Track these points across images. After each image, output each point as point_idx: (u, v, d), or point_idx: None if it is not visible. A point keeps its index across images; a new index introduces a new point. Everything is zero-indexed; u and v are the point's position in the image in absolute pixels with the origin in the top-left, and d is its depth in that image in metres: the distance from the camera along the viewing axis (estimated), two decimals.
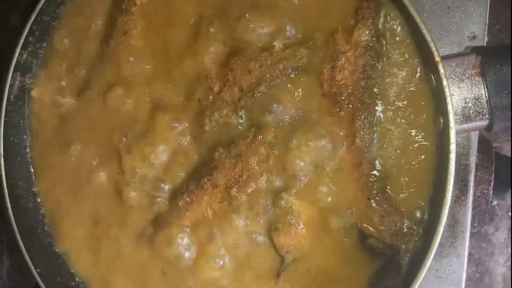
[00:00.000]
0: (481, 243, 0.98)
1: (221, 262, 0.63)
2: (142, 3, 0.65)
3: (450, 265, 0.70)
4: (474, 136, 0.68)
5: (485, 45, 0.67)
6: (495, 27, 0.89)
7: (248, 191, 0.61)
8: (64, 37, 0.69)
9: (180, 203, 0.63)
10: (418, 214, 0.59)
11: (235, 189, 0.61)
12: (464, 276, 0.70)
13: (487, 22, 0.67)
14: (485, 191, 0.71)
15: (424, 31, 0.53)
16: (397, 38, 0.59)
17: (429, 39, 0.53)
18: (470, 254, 0.73)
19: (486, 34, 0.68)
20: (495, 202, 0.93)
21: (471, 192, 0.68)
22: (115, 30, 0.66)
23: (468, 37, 0.68)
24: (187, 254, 0.64)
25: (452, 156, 0.53)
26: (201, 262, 0.64)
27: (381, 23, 0.59)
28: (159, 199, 0.65)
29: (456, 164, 0.55)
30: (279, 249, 0.62)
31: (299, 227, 0.61)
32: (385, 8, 0.59)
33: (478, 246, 0.98)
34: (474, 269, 0.98)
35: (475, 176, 0.69)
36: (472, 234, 0.94)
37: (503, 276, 0.97)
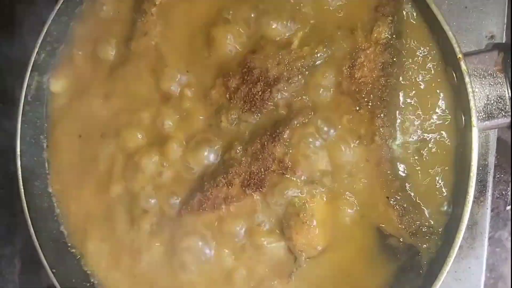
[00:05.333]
0: (495, 248, 0.97)
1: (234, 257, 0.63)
2: (162, 3, 0.66)
3: (469, 267, 0.69)
4: (493, 136, 0.67)
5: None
6: (509, 30, 0.88)
7: (263, 189, 0.61)
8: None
9: (195, 201, 0.62)
10: (438, 213, 0.58)
11: (250, 187, 0.61)
12: (483, 278, 0.69)
13: (505, 22, 0.67)
14: (503, 192, 0.70)
15: (446, 27, 0.53)
16: (418, 36, 0.59)
17: (451, 35, 0.53)
18: None
19: (504, 34, 0.68)
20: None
21: (490, 193, 0.68)
22: (135, 32, 0.66)
23: (486, 37, 0.67)
24: (206, 251, 0.64)
25: (475, 153, 0.52)
26: (217, 259, 0.64)
27: (401, 20, 0.59)
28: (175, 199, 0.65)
29: None
30: (292, 248, 0.61)
31: (312, 225, 0.60)
32: (405, 5, 0.59)
33: (492, 252, 0.97)
34: (488, 274, 0.96)
35: (494, 177, 0.69)
36: None
37: None
